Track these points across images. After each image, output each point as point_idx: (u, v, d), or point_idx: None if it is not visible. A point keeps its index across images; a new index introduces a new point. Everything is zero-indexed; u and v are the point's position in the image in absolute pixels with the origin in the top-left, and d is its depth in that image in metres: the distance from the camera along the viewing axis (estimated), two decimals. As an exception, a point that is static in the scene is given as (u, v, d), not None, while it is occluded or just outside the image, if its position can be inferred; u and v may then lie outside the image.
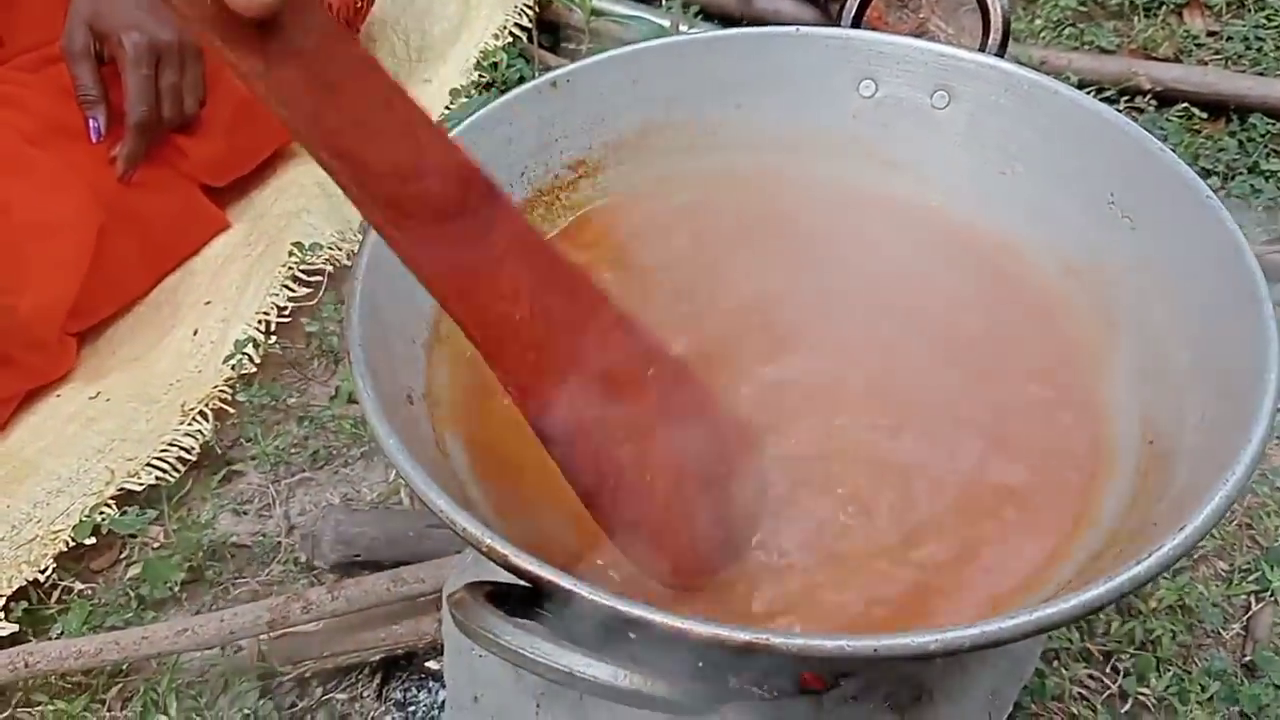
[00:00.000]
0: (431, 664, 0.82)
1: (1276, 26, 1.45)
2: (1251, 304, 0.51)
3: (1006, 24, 0.66)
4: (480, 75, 1.26)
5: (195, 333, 1.03)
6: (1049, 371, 0.61)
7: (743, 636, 0.37)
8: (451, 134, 0.62)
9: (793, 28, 0.68)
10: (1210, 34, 1.46)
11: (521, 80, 1.27)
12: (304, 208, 1.12)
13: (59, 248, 0.96)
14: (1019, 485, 0.56)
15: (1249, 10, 1.47)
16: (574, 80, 0.67)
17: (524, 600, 0.41)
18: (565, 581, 0.38)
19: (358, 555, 0.87)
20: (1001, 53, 0.67)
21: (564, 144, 0.68)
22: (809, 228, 0.70)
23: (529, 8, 1.31)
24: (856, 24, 0.69)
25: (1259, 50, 1.41)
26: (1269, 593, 0.88)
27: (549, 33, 1.40)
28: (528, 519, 0.55)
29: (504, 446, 0.58)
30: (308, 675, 0.82)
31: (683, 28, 1.35)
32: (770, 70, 0.69)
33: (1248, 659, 0.84)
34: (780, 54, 0.69)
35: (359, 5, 1.15)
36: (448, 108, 1.24)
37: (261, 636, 0.79)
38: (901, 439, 0.58)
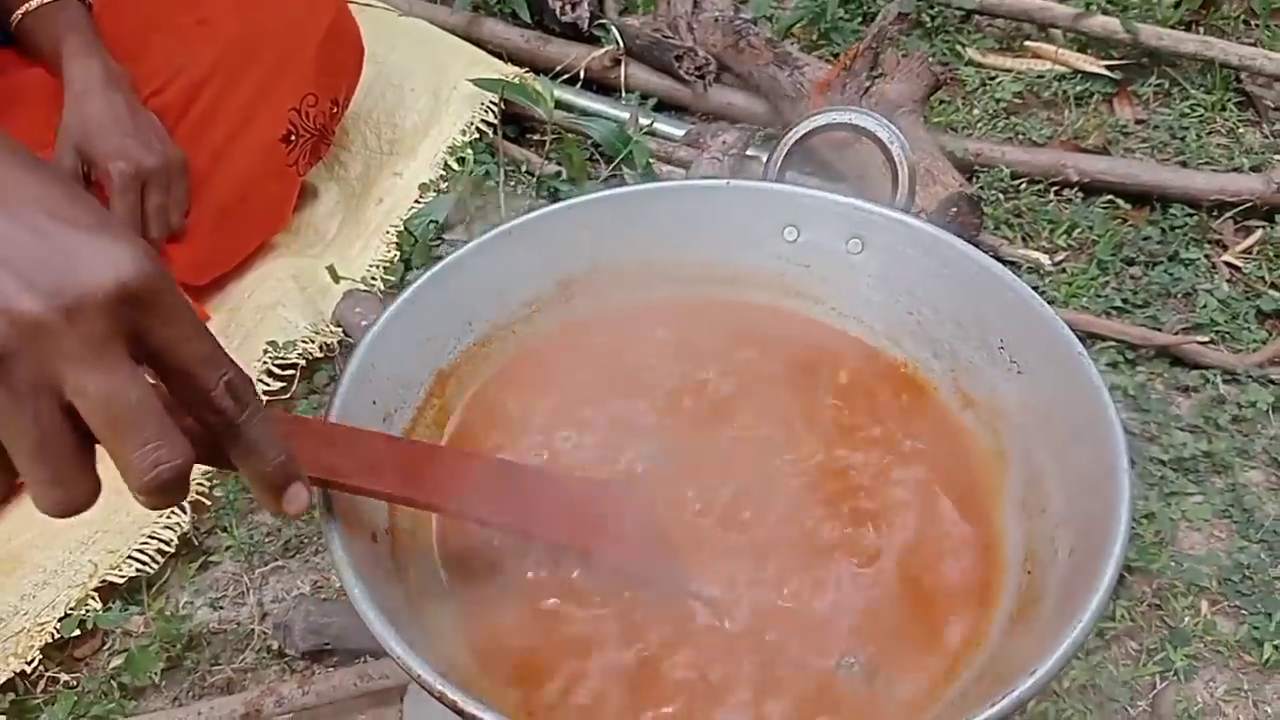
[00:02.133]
0: (394, 752, 0.88)
1: (1198, 117, 1.54)
2: (1111, 459, 0.58)
3: (913, 179, 0.74)
4: (447, 170, 1.33)
5: (174, 424, 1.08)
6: (950, 494, 0.68)
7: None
8: (418, 283, 0.69)
9: (724, 181, 0.76)
10: (1138, 122, 1.56)
11: (488, 175, 1.35)
12: (279, 300, 1.18)
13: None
14: (918, 604, 0.63)
15: (1175, 100, 1.57)
16: (529, 230, 0.74)
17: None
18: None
19: (327, 644, 0.93)
20: (909, 205, 0.75)
21: (519, 284, 0.75)
22: (736, 345, 0.78)
23: (494, 104, 1.39)
24: (780, 177, 0.76)
25: (1182, 140, 1.51)
26: (1173, 672, 0.95)
27: (514, 124, 1.47)
28: (487, 637, 0.62)
29: (463, 571, 0.65)
30: (279, 762, 0.87)
31: (642, 121, 1.42)
32: (705, 216, 0.77)
33: (1151, 737, 0.91)
34: (715, 202, 0.77)
35: (334, 111, 1.22)
36: (417, 201, 1.31)
37: (236, 727, 0.85)
38: (803, 558, 0.64)
